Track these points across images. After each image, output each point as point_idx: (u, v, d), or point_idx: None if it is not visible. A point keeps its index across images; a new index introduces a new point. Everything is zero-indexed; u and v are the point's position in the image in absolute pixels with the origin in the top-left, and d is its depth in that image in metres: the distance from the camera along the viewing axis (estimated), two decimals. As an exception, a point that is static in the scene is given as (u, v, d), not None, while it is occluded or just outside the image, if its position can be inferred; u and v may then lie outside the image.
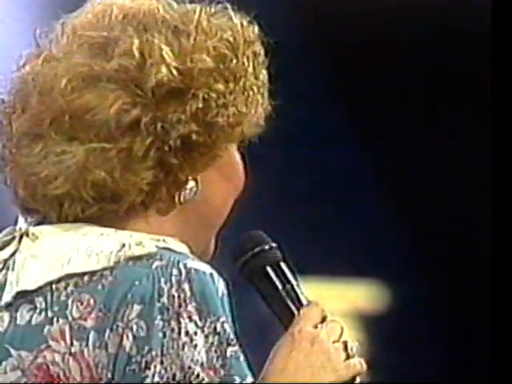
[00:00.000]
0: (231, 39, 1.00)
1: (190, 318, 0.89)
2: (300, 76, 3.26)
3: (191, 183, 0.99)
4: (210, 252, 1.07)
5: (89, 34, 0.98)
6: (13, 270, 0.96)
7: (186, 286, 0.90)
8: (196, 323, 0.90)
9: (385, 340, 3.46)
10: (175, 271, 0.91)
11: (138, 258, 0.93)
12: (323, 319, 1.09)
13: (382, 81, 3.34)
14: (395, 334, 3.47)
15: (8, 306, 0.94)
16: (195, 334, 0.89)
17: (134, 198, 0.97)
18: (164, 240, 0.96)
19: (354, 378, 1.08)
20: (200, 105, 0.96)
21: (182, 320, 0.89)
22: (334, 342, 1.07)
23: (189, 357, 0.89)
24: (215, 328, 0.91)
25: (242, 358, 0.93)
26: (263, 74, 1.04)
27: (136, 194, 0.96)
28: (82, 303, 0.91)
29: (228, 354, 0.91)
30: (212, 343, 0.90)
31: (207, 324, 0.90)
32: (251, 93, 1.01)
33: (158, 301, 0.89)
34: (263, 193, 3.16)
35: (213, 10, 1.01)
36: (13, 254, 0.97)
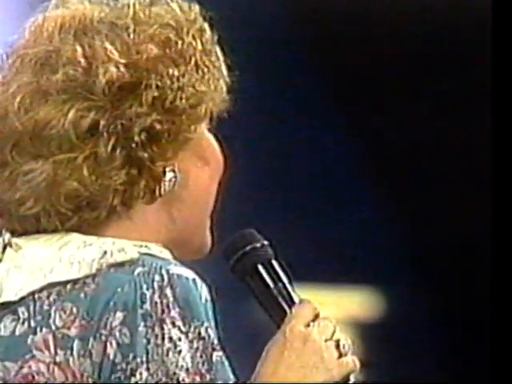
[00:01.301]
0: (172, 22, 0.99)
1: (173, 323, 0.89)
2: (298, 76, 3.26)
3: (169, 174, 0.98)
4: (206, 242, 1.06)
5: (30, 51, 0.98)
6: None
7: (168, 292, 0.89)
8: (180, 329, 0.89)
9: (380, 348, 3.44)
10: (157, 277, 0.90)
11: (120, 264, 0.92)
12: (315, 317, 1.07)
13: (380, 81, 3.33)
14: (391, 341, 3.46)
15: None
16: (179, 339, 0.89)
17: (111, 201, 0.96)
18: (146, 246, 0.96)
19: (347, 377, 1.07)
20: (155, 93, 0.96)
21: (165, 326, 0.89)
22: (326, 341, 1.06)
23: (173, 363, 0.88)
24: (199, 333, 0.90)
25: (226, 363, 0.93)
26: (214, 49, 1.03)
27: (112, 196, 0.96)
28: (64, 312, 0.90)
29: (214, 359, 0.91)
30: (197, 348, 0.90)
31: (191, 329, 0.90)
32: (206, 69, 1.00)
33: (141, 307, 0.89)
34: (257, 197, 3.14)
35: (148, 1, 1.01)
36: None
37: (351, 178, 3.47)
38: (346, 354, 1.06)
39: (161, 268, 0.91)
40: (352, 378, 1.08)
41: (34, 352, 0.90)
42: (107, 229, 0.97)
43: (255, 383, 1.01)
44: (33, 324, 0.91)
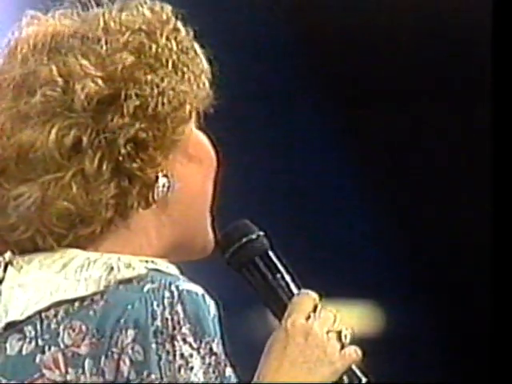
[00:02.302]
0: (144, 27, 0.98)
1: (184, 340, 0.88)
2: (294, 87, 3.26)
3: (162, 180, 0.97)
4: (210, 239, 1.05)
5: (7, 76, 0.97)
6: None
7: (179, 308, 0.88)
8: (191, 345, 0.88)
9: (380, 362, 3.41)
10: (167, 293, 0.89)
11: (128, 280, 0.91)
12: (315, 308, 1.07)
13: (379, 84, 3.33)
14: (390, 355, 3.44)
15: None
16: (191, 356, 0.88)
17: (104, 215, 0.95)
18: (153, 261, 0.94)
19: (350, 367, 1.07)
20: (136, 102, 0.94)
21: (176, 343, 0.87)
22: (328, 332, 1.05)
23: (186, 379, 0.87)
24: (211, 348, 0.89)
25: (236, 379, 0.93)
26: (192, 45, 1.01)
27: (105, 210, 0.94)
28: (73, 330, 0.89)
29: (227, 374, 0.90)
30: (209, 364, 0.89)
31: (202, 345, 0.88)
32: (185, 69, 0.99)
33: (152, 324, 0.88)
34: (254, 209, 3.12)
35: (118, 6, 1.00)
36: None
37: (350, 191, 3.46)
38: (347, 345, 1.05)
39: (170, 284, 0.90)
40: (354, 367, 1.07)
41: (44, 371, 0.88)
42: (106, 241, 0.96)
43: (260, 383, 1.01)
44: (40, 343, 0.89)
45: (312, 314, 1.06)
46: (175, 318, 0.88)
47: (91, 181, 0.93)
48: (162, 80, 0.96)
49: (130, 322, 0.87)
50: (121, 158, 0.94)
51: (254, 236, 1.11)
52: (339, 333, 1.05)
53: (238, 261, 1.09)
